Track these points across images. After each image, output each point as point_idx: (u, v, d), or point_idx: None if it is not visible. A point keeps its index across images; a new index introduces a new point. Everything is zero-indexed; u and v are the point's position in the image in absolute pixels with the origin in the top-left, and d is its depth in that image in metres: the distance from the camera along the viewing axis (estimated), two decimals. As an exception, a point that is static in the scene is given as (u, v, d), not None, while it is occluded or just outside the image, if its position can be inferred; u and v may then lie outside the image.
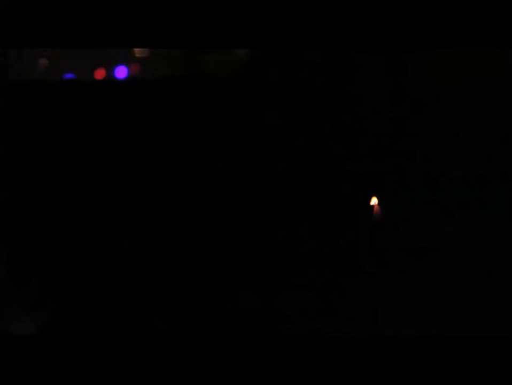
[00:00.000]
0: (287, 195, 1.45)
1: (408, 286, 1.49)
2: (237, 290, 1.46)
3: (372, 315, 1.25)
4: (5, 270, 1.97)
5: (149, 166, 2.37)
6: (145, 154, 2.38)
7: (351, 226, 1.46)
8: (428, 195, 2.01)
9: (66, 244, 2.26)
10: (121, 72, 2.82)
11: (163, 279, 1.49)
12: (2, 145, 2.30)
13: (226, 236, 1.46)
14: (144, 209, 2.30)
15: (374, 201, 1.20)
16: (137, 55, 2.81)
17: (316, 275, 1.44)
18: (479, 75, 1.96)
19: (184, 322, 1.47)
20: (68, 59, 2.77)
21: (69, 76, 2.79)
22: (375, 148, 1.50)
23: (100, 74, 2.83)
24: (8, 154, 2.31)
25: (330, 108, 1.43)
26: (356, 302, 1.47)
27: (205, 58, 2.60)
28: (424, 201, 2.00)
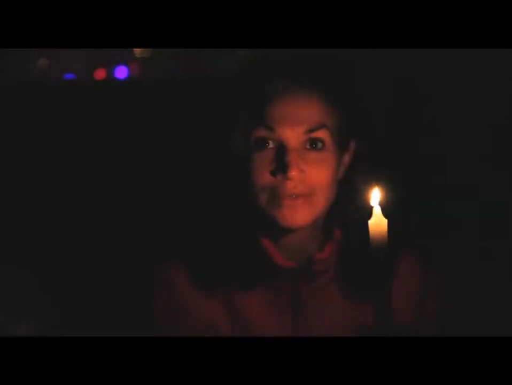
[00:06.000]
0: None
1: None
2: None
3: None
4: (5, 270, 1.97)
5: (149, 165, 2.37)
6: (145, 154, 2.38)
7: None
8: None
9: (65, 244, 2.26)
10: (121, 72, 2.83)
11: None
12: (2, 145, 2.30)
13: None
14: (143, 209, 2.30)
15: (374, 199, 1.18)
16: (137, 55, 2.82)
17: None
18: (479, 75, 1.96)
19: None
20: (68, 59, 2.77)
21: (69, 76, 2.79)
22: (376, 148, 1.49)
23: (100, 74, 2.84)
24: (8, 154, 2.31)
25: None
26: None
27: (205, 58, 2.60)
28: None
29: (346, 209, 1.44)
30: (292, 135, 1.37)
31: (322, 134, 1.38)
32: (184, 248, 1.48)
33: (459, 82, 1.99)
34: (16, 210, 2.27)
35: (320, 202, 1.39)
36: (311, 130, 1.38)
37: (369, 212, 1.13)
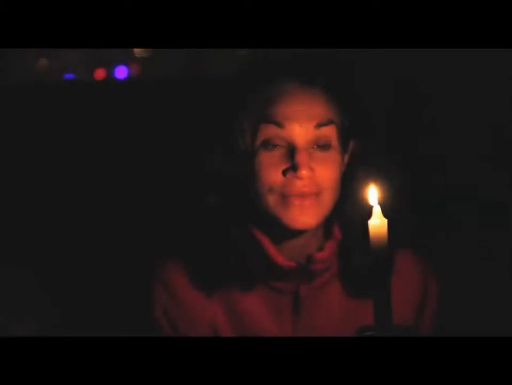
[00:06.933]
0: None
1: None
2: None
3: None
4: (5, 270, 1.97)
5: (149, 165, 2.37)
6: (145, 154, 2.39)
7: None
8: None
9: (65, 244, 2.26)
10: (121, 72, 2.83)
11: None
12: (2, 145, 2.30)
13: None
14: (143, 209, 2.30)
15: (372, 198, 1.18)
16: (137, 55, 2.82)
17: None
18: (479, 75, 1.96)
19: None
20: (68, 59, 2.77)
21: (69, 76, 2.80)
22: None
23: (100, 74, 2.84)
24: (8, 154, 2.31)
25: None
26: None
27: (205, 58, 2.60)
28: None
29: (346, 208, 1.44)
30: (301, 131, 1.36)
31: (330, 130, 1.39)
32: (184, 249, 1.48)
33: (459, 82, 2.00)
34: (16, 210, 2.27)
35: (327, 202, 1.39)
36: (320, 125, 1.38)
37: (368, 212, 1.13)
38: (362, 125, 1.45)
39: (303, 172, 1.35)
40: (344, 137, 1.42)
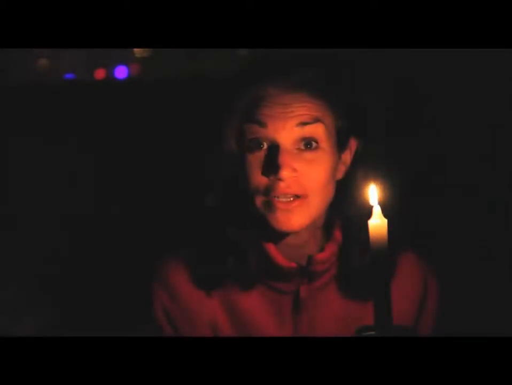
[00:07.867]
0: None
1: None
2: None
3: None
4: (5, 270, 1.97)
5: (148, 165, 2.37)
6: (145, 154, 2.39)
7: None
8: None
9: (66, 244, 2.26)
10: (121, 72, 2.83)
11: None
12: (2, 145, 2.30)
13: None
14: (143, 209, 2.30)
15: (373, 197, 1.18)
16: (137, 55, 2.82)
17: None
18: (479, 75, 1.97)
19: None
20: (68, 59, 2.77)
21: (69, 76, 2.79)
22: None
23: (100, 74, 2.84)
24: (8, 154, 2.31)
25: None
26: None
27: (205, 58, 2.60)
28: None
29: (346, 209, 1.44)
30: (284, 131, 1.34)
31: (316, 129, 1.36)
32: (184, 248, 1.48)
33: (459, 82, 2.00)
34: (16, 210, 2.27)
35: (316, 204, 1.37)
36: (303, 124, 1.35)
37: (368, 212, 1.12)
38: (362, 125, 1.44)
39: (285, 173, 1.32)
40: (340, 136, 1.40)
